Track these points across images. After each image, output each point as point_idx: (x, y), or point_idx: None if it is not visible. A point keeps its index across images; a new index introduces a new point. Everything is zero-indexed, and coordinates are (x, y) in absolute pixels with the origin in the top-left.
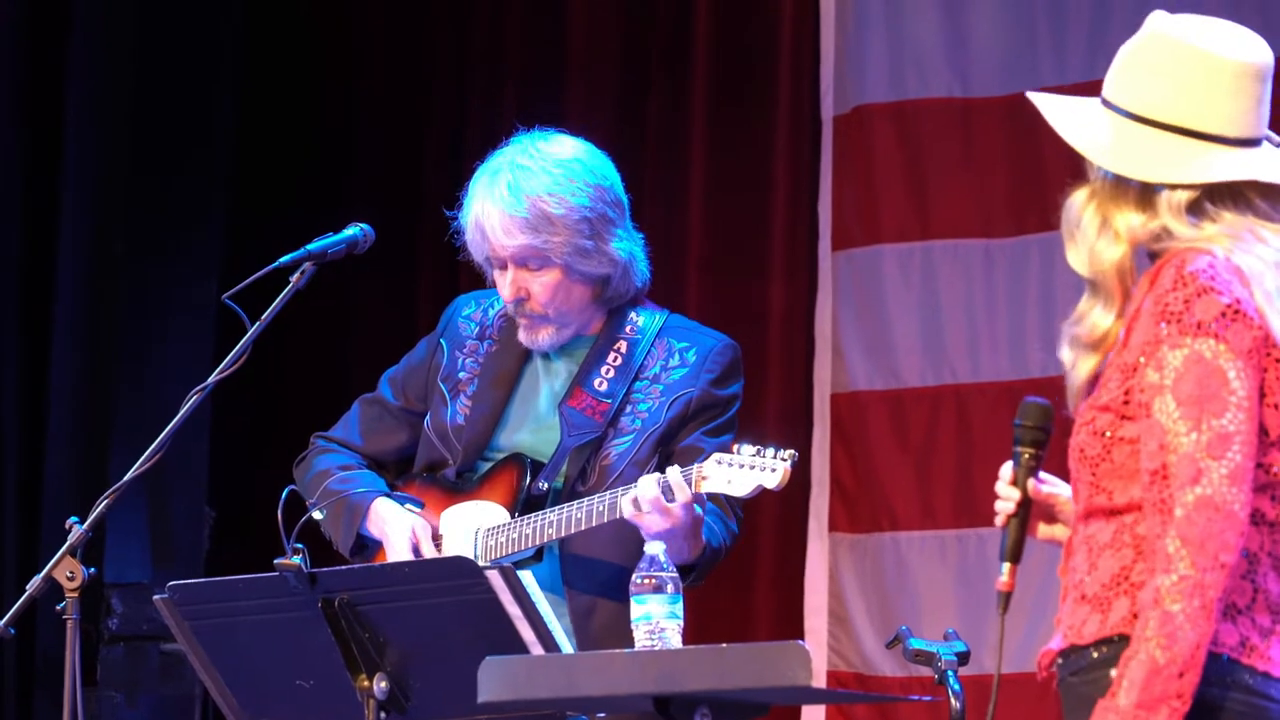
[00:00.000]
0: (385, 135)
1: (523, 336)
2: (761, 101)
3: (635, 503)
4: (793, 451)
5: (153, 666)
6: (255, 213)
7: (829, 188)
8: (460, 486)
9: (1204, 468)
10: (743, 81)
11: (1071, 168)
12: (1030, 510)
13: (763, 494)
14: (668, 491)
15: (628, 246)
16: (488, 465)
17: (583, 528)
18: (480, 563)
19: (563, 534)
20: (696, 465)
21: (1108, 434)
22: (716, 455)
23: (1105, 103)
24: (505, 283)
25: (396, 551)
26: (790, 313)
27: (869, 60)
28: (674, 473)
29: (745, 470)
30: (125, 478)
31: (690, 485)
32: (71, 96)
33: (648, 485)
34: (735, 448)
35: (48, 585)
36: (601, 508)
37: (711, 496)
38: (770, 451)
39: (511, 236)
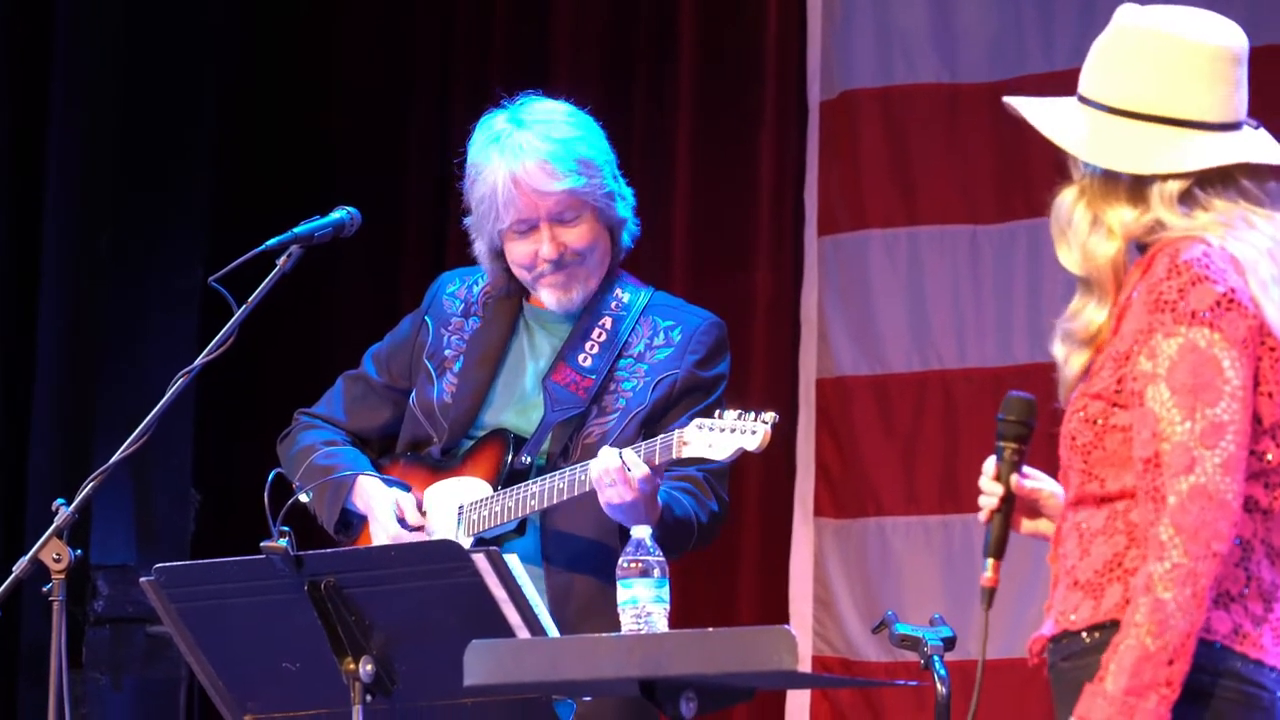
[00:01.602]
0: (371, 120)
1: (553, 298)
2: (748, 87)
3: (599, 475)
4: (773, 414)
5: (138, 649)
6: (241, 195)
7: (815, 173)
8: (444, 464)
9: (1197, 456)
10: (729, 67)
11: (1058, 156)
12: (1014, 505)
13: (748, 477)
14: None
15: (629, 194)
16: (471, 443)
17: (564, 498)
18: (463, 537)
19: (545, 505)
20: (677, 430)
21: (1099, 421)
22: (697, 420)
23: (1083, 99)
24: (544, 240)
25: (382, 523)
26: (776, 298)
27: (856, 45)
28: (629, 453)
29: (725, 434)
30: (111, 460)
31: (672, 449)
32: (57, 82)
33: (610, 456)
34: (716, 413)
35: (33, 567)
36: (583, 476)
37: (690, 478)
38: (751, 415)
39: (558, 180)
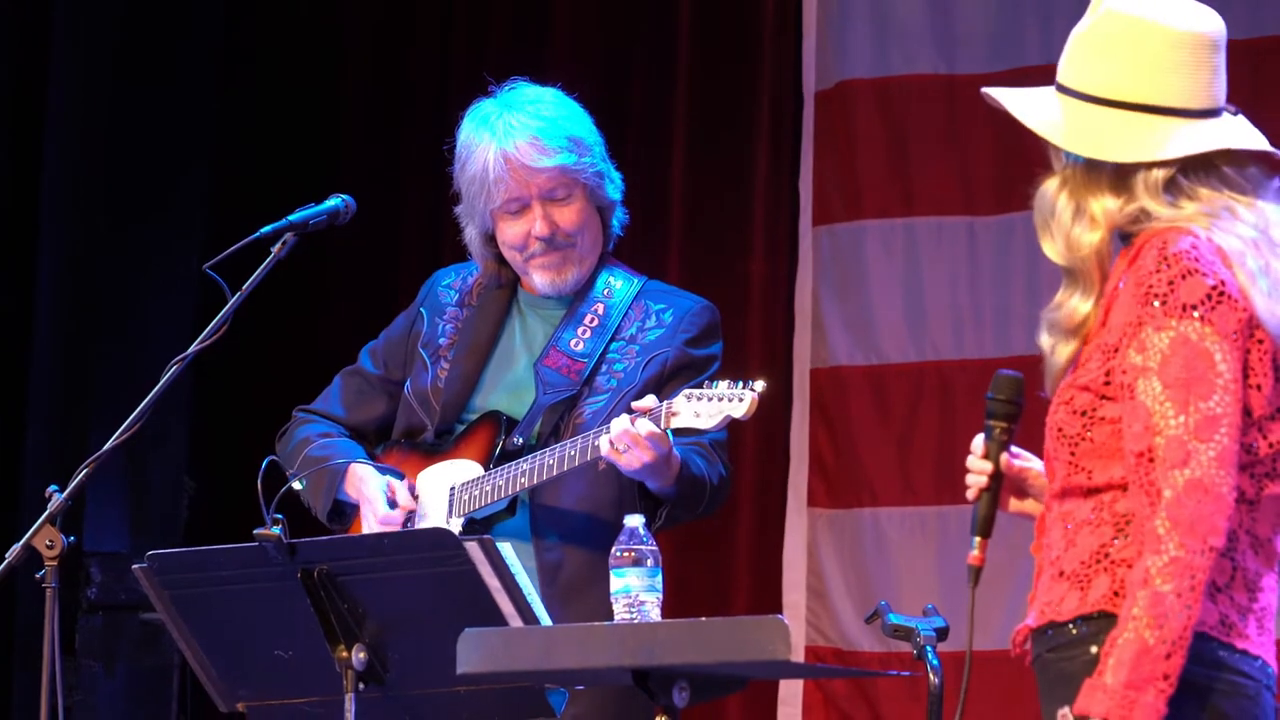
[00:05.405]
0: (369, 107)
1: (545, 279)
2: (744, 76)
3: (611, 442)
4: (762, 381)
5: (131, 636)
6: (238, 182)
7: (810, 163)
8: (438, 447)
9: (1192, 450)
10: (725, 56)
11: (1046, 147)
12: (1002, 484)
13: (742, 466)
14: (635, 423)
15: (619, 179)
16: (464, 426)
17: (555, 474)
18: (454, 518)
19: (535, 481)
20: (665, 401)
21: (1087, 413)
22: (685, 391)
23: (1061, 88)
24: (536, 217)
25: (373, 507)
26: (770, 287)
27: (852, 35)
28: (637, 405)
29: (713, 402)
30: (105, 447)
31: (660, 421)
32: (55, 60)
33: (618, 422)
34: (705, 383)
35: (27, 553)
36: (573, 451)
37: (698, 443)
38: (739, 384)
39: (548, 156)
